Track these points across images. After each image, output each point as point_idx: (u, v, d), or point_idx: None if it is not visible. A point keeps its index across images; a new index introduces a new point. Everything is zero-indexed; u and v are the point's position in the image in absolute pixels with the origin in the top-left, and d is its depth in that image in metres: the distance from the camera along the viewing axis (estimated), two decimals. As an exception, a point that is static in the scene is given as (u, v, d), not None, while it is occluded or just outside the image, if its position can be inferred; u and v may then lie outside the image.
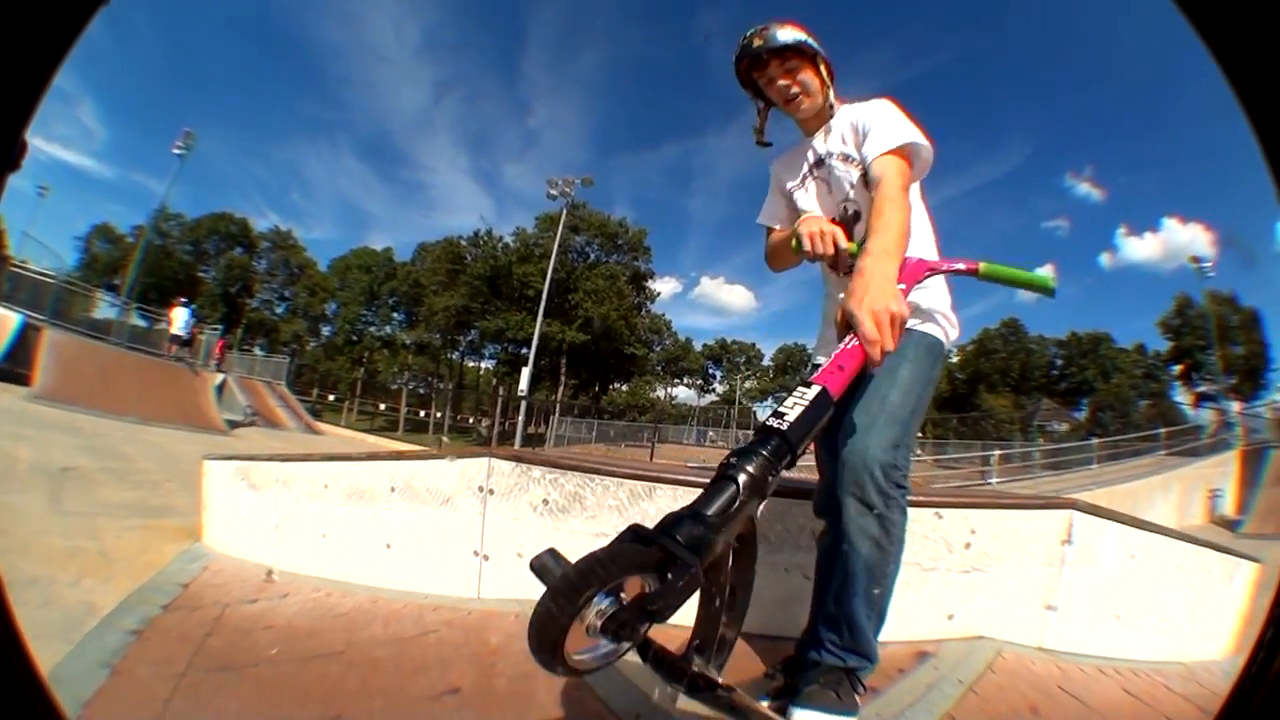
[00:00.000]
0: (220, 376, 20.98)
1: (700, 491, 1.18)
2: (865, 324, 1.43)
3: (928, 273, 1.81)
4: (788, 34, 2.03)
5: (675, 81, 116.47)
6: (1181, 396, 58.02)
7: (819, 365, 1.59)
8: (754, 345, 76.03)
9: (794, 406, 1.31)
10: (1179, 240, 76.99)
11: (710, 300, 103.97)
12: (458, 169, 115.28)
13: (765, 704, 1.86)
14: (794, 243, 1.92)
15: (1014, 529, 2.88)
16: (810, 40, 2.05)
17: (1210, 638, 3.48)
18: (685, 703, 1.84)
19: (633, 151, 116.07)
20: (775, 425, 1.27)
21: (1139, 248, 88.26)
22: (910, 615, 2.71)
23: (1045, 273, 1.77)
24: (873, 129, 1.97)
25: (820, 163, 2.17)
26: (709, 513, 1.12)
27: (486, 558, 3.07)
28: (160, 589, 3.37)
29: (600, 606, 0.95)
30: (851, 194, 2.08)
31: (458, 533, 3.15)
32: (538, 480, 3.04)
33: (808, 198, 2.21)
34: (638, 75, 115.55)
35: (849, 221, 2.09)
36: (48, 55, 0.82)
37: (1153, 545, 3.26)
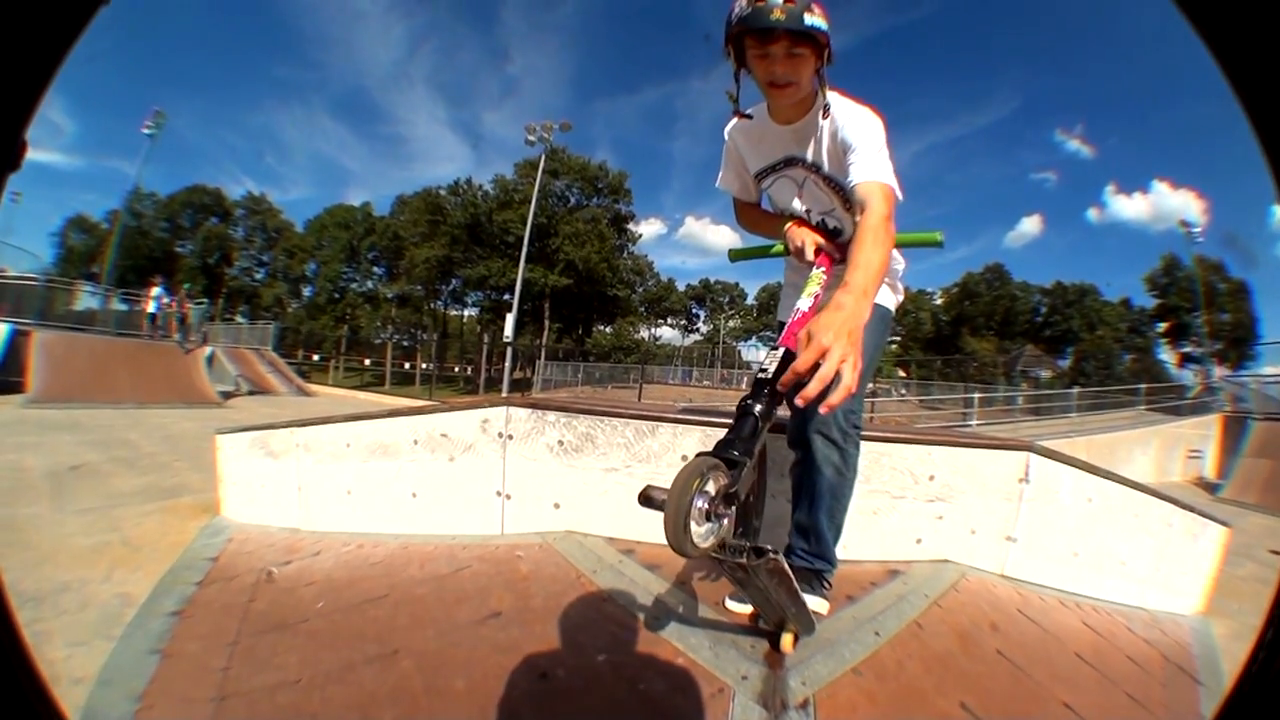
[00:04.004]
0: (209, 349, 20.88)
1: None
2: (831, 356, 1.40)
3: (840, 261, 2.14)
4: (814, 19, 1.80)
5: (655, 24, 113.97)
6: (1166, 355, 58.98)
7: (783, 323, 2.03)
8: (737, 285, 76.42)
9: (771, 362, 1.67)
10: (1169, 204, 77.47)
11: (695, 240, 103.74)
12: (436, 120, 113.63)
13: (753, 608, 2.13)
14: (780, 245, 2.36)
15: (973, 465, 3.16)
16: (828, 31, 1.85)
17: (1178, 593, 3.79)
18: (687, 608, 2.24)
19: (613, 96, 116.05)
20: (765, 377, 1.63)
21: (1128, 206, 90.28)
22: (882, 538, 3.05)
23: (933, 232, 2.14)
24: (859, 149, 1.93)
25: (791, 163, 2.20)
26: (744, 435, 1.52)
27: (509, 497, 3.28)
28: (191, 566, 3.47)
29: (699, 505, 1.27)
30: (834, 210, 2.22)
31: (480, 476, 3.34)
32: (552, 424, 3.24)
33: (771, 190, 2.37)
34: (617, 19, 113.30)
35: (828, 235, 2.25)
36: (48, 55, 0.82)
37: (1108, 492, 3.56)
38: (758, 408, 1.58)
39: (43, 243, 60.24)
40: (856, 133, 1.96)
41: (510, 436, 3.29)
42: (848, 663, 1.99)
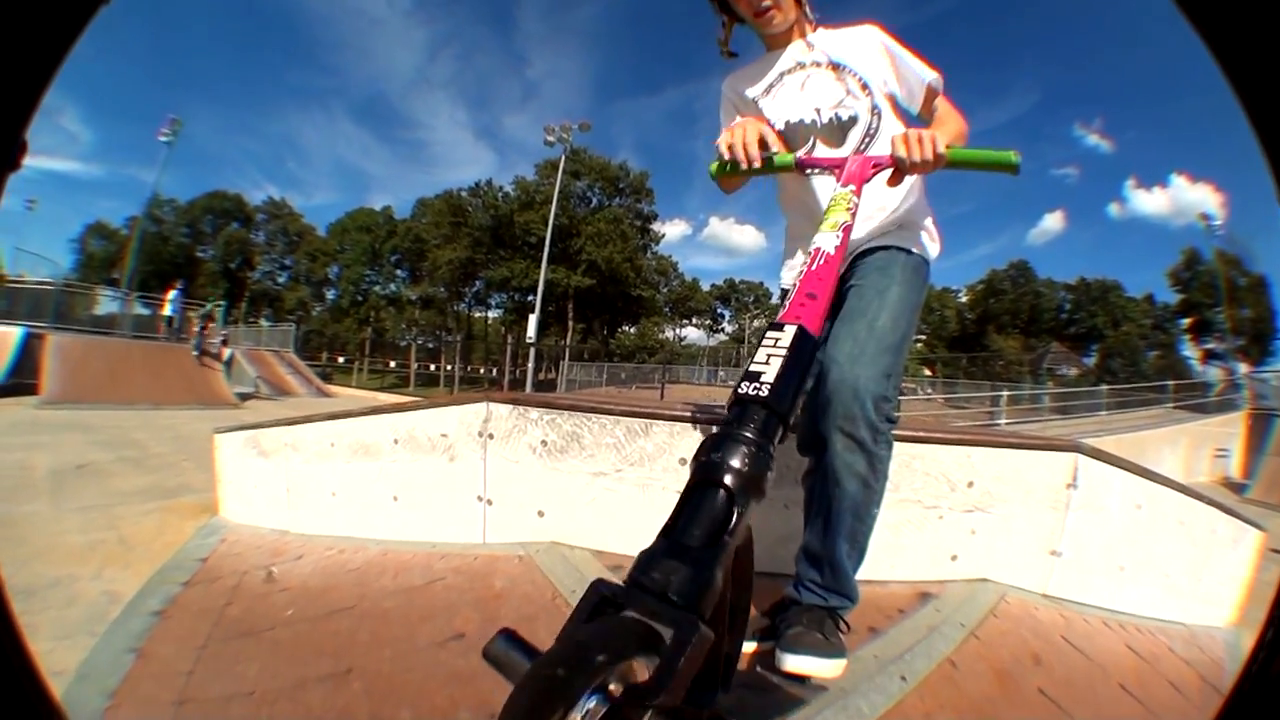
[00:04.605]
0: (228, 352, 20.98)
1: (704, 425, 0.97)
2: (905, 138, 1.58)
3: (874, 169, 1.62)
4: None
5: (674, 25, 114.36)
6: (1190, 351, 58.78)
7: (788, 292, 1.38)
8: (762, 284, 75.97)
9: (769, 361, 1.07)
10: (1188, 198, 78.05)
11: (719, 241, 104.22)
12: (457, 124, 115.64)
13: (754, 646, 1.85)
14: (712, 167, 1.83)
15: (1017, 470, 2.81)
16: None
17: (1213, 603, 3.47)
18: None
19: (634, 97, 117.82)
20: (754, 393, 1.01)
21: (1147, 201, 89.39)
22: (912, 554, 2.70)
23: (1008, 151, 1.56)
24: (909, 58, 1.96)
25: (798, 68, 2.04)
26: (697, 544, 0.83)
27: (490, 502, 3.06)
28: (180, 566, 3.42)
29: (588, 708, 0.64)
30: (845, 99, 1.95)
31: (461, 479, 3.14)
32: (535, 422, 3.00)
33: (773, 102, 2.07)
34: (636, 20, 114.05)
35: (843, 127, 1.95)
36: (48, 55, 0.81)
37: (1158, 496, 3.22)
38: (733, 469, 0.90)
39: (62, 249, 61.92)
40: (882, 41, 1.99)
41: (491, 436, 3.06)
42: (866, 719, 1.68)
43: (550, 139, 36.86)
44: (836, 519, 1.72)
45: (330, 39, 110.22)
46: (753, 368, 1.06)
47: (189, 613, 2.86)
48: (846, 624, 1.82)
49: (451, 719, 1.73)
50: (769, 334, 1.13)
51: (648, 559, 0.81)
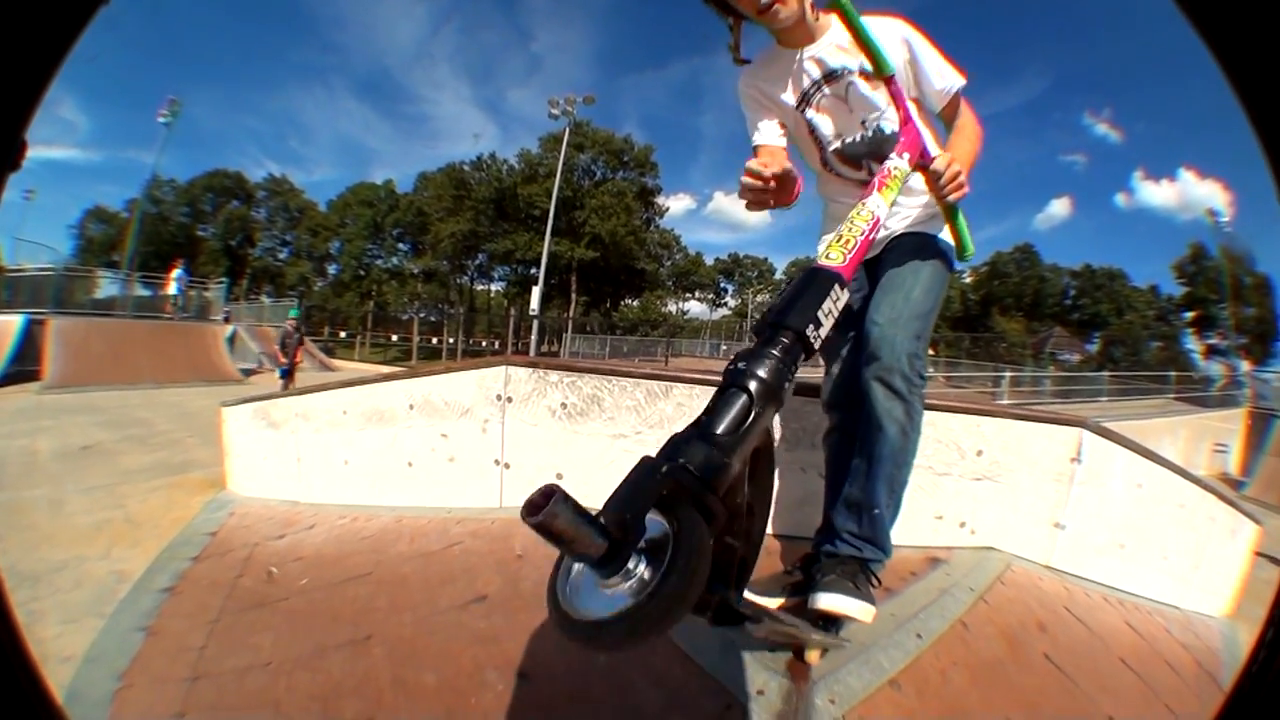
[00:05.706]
0: (230, 327, 20.84)
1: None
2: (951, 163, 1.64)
3: (922, 159, 1.69)
4: None
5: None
6: (1193, 345, 58.60)
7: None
8: (766, 259, 75.97)
9: (801, 293, 1.15)
10: (1195, 193, 76.70)
11: (724, 216, 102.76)
12: (460, 98, 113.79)
13: (782, 600, 1.88)
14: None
15: (1024, 441, 2.85)
16: None
17: (1210, 592, 3.53)
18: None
19: (640, 72, 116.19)
20: (784, 320, 1.09)
21: (1155, 193, 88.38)
22: (923, 520, 2.74)
23: (970, 245, 1.88)
24: (930, 59, 1.94)
25: (832, 76, 1.96)
26: (719, 430, 0.92)
27: (507, 466, 3.04)
28: (189, 542, 3.41)
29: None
30: (885, 112, 1.93)
31: (478, 443, 3.11)
32: (555, 385, 2.97)
33: (823, 119, 2.02)
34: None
35: (882, 142, 1.94)
36: (48, 55, 0.81)
37: (1159, 477, 3.26)
38: (757, 376, 0.99)
39: (61, 236, 61.36)
40: (908, 36, 1.93)
41: (509, 399, 3.03)
42: (886, 673, 1.70)
43: (554, 111, 36.60)
44: (877, 463, 1.82)
45: (331, 14, 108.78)
46: (822, 318, 1.13)
47: (200, 587, 2.84)
48: (878, 579, 1.89)
49: (477, 680, 1.70)
50: (834, 290, 1.18)
51: (679, 441, 0.90)
